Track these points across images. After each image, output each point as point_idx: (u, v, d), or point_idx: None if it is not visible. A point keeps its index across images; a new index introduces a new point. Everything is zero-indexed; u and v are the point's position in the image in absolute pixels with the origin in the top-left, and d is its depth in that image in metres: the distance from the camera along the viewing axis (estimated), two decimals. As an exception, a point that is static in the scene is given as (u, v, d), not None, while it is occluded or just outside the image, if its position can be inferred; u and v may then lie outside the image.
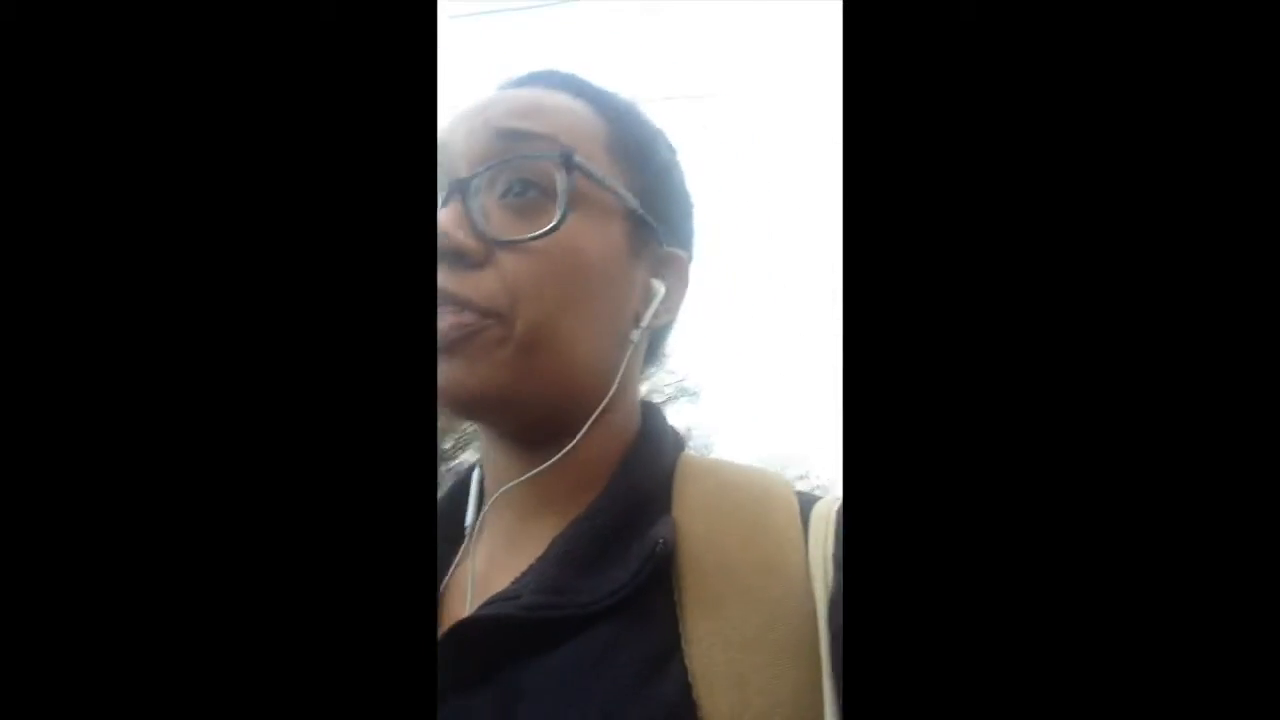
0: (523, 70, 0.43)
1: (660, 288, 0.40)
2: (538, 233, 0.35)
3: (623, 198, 0.38)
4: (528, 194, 0.36)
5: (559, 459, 0.37)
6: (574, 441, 0.37)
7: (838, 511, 0.34)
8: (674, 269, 0.42)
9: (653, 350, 0.45)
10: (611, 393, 0.38)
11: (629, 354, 0.39)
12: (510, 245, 0.35)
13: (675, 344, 0.47)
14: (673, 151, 0.44)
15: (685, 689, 0.29)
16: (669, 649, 0.31)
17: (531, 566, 0.35)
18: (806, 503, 0.36)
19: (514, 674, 0.31)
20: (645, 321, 0.40)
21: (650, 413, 0.43)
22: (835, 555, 0.32)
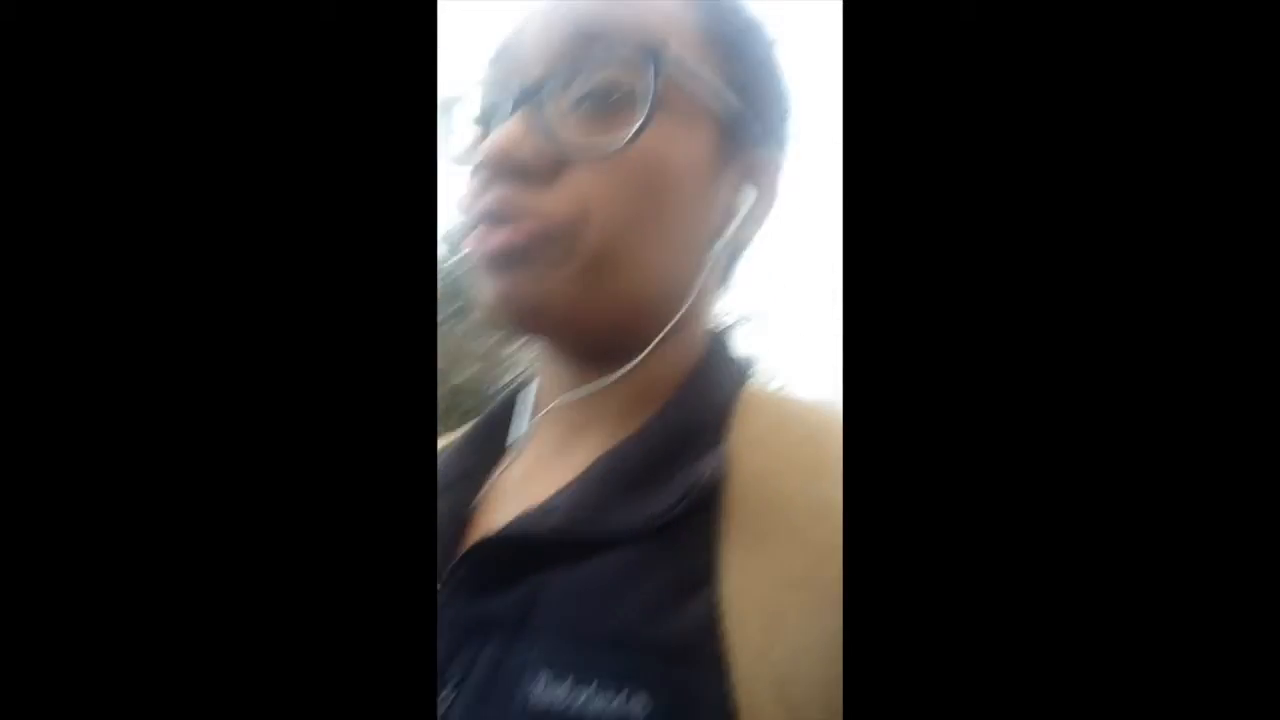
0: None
1: (750, 196, 0.37)
2: (615, 146, 0.31)
3: (721, 95, 0.34)
4: (611, 97, 0.32)
5: (618, 378, 0.35)
6: (636, 360, 0.34)
7: None
8: (766, 176, 0.38)
9: (728, 267, 0.41)
10: (681, 313, 0.35)
11: (705, 272, 0.36)
12: (585, 158, 0.32)
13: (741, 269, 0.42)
14: (772, 45, 0.39)
15: (714, 618, 0.28)
16: (702, 577, 0.30)
17: (572, 482, 0.34)
18: None
19: (537, 582, 0.31)
20: (728, 236, 0.36)
21: (717, 339, 0.40)
22: None
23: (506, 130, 0.32)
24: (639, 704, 0.27)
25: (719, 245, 0.36)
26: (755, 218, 0.38)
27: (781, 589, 0.29)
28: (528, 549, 0.32)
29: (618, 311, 0.34)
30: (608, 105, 0.32)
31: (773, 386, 0.40)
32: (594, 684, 0.28)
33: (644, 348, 0.35)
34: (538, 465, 0.38)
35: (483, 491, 0.39)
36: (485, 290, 0.34)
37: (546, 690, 0.28)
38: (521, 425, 0.41)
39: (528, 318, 0.34)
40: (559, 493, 0.34)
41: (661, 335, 0.35)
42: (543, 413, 0.38)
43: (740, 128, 0.36)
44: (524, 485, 0.37)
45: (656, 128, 0.32)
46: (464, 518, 0.38)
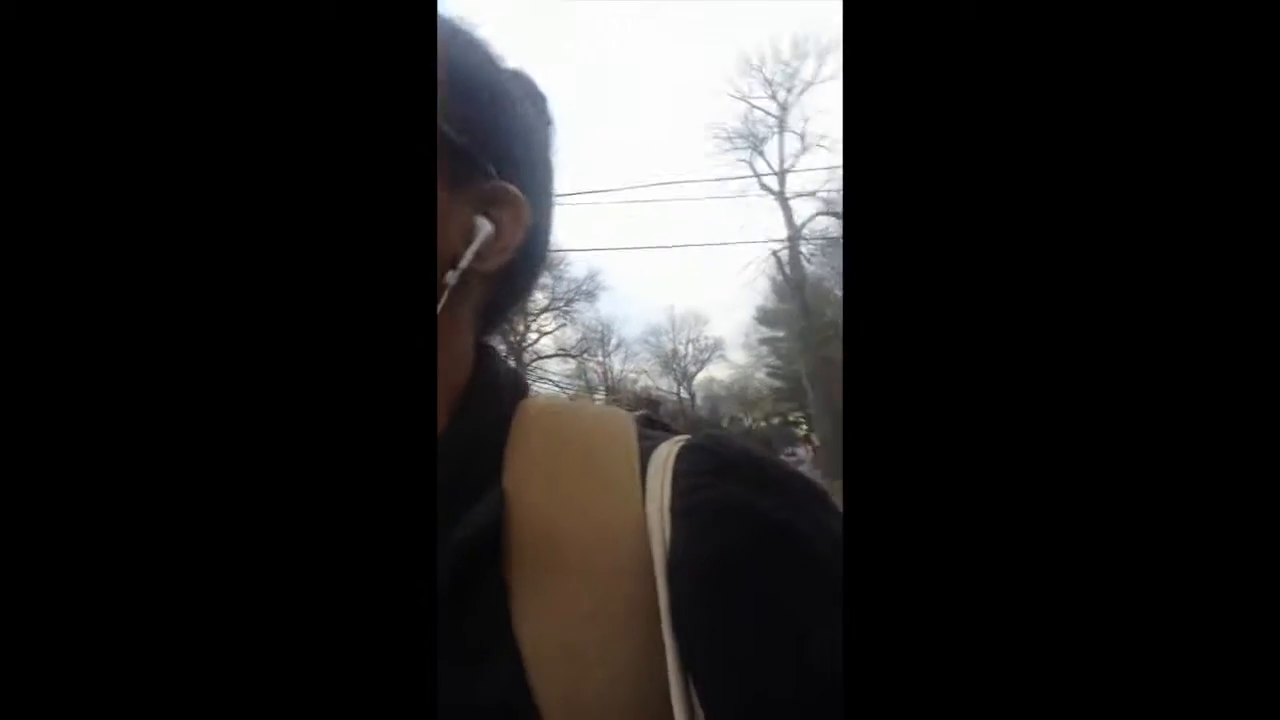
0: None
1: (485, 226, 0.35)
2: None
3: (441, 129, 0.33)
4: None
5: None
6: None
7: (675, 455, 0.31)
8: (506, 205, 0.36)
9: (502, 302, 0.39)
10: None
11: (443, 299, 0.34)
12: None
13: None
14: (507, 79, 0.38)
15: (518, 673, 0.27)
16: (498, 633, 0.28)
17: None
18: (648, 448, 0.33)
19: None
20: (464, 263, 0.34)
21: (484, 357, 0.38)
22: (673, 507, 0.29)
23: None
24: None
25: (458, 268, 0.34)
26: (502, 246, 0.36)
27: (577, 626, 0.28)
28: None
29: None
30: None
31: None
32: None
33: None
34: None
35: None
36: None
37: None
38: None
39: None
40: None
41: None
42: None
43: (466, 159, 0.34)
44: None
45: None
46: None
